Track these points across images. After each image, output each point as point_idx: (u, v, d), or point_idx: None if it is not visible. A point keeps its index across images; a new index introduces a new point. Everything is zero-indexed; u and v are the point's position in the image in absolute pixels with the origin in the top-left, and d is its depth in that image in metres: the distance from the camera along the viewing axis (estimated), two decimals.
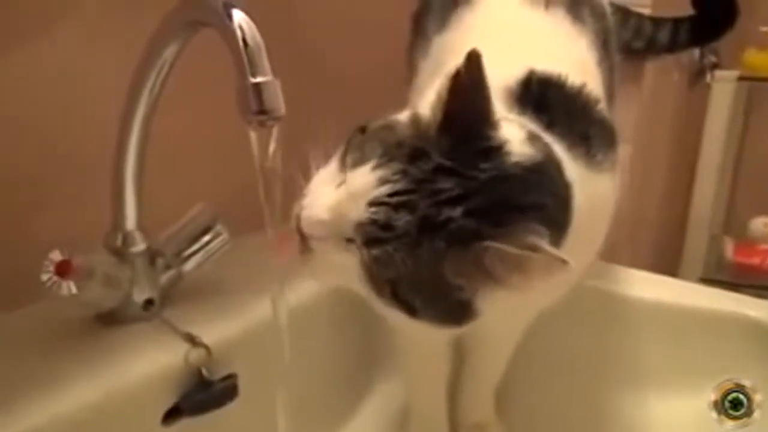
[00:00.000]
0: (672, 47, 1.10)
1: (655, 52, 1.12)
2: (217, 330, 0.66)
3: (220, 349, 0.65)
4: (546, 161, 0.51)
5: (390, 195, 0.48)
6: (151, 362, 0.62)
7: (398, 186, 0.48)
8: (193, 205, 0.71)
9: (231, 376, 0.65)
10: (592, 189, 0.55)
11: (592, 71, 0.66)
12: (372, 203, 0.48)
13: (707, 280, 1.81)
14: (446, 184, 0.48)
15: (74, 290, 0.58)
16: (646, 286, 0.80)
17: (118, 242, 0.65)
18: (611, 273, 0.82)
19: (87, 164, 0.70)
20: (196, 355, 0.63)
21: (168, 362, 0.62)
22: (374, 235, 0.48)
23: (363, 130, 0.53)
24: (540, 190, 0.50)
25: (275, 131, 0.53)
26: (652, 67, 1.21)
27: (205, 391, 0.63)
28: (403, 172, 0.48)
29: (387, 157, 0.49)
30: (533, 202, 0.49)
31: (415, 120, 0.52)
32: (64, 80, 0.70)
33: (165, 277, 0.69)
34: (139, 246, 0.66)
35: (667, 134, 1.50)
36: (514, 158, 0.49)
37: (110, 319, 0.65)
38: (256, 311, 0.67)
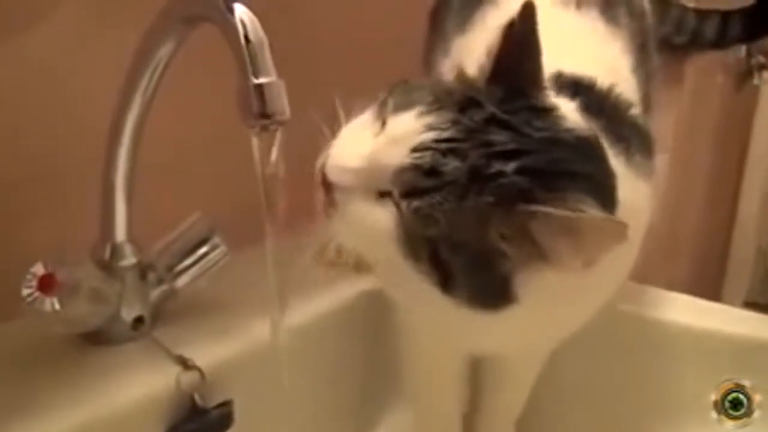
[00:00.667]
0: (719, 43, 1.09)
1: (700, 48, 1.11)
2: (212, 352, 0.66)
3: (215, 373, 0.65)
4: (597, 139, 0.52)
5: (437, 141, 0.48)
6: (139, 387, 0.62)
7: (447, 134, 0.48)
8: (188, 215, 0.71)
9: (226, 403, 0.65)
10: (629, 192, 0.55)
11: (626, 77, 0.66)
12: (416, 148, 0.48)
13: (752, 304, 1.80)
14: (499, 137, 0.48)
15: (58, 307, 0.58)
16: (684, 311, 0.79)
17: (107, 255, 0.65)
18: (645, 296, 0.82)
19: (73, 169, 0.71)
20: (189, 379, 0.63)
21: (157, 387, 0.62)
22: (417, 184, 0.48)
23: (406, 82, 0.54)
24: (592, 164, 0.50)
25: (278, 136, 0.53)
26: (693, 68, 1.20)
27: (198, 420, 0.63)
28: (454, 121, 0.48)
29: (437, 104, 0.49)
30: (586, 173, 0.49)
31: (462, 75, 0.53)
32: (49, 78, 0.70)
33: (156, 293, 0.69)
34: (129, 259, 0.66)
35: (709, 141, 1.50)
36: (568, 124, 0.50)
37: (96, 339, 0.65)
38: (255, 332, 0.67)
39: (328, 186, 0.51)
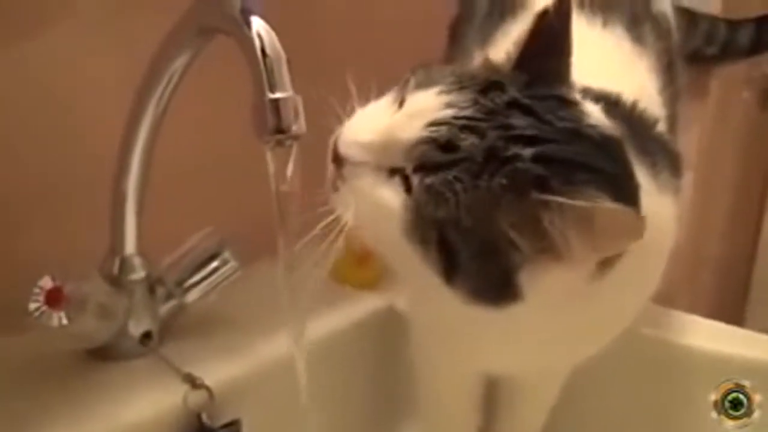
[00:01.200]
0: (754, 49, 1.08)
1: (733, 58, 1.10)
2: (221, 370, 0.66)
3: (223, 391, 0.64)
4: (621, 141, 0.51)
5: (456, 118, 0.47)
6: (145, 404, 0.61)
7: (466, 112, 0.48)
8: (198, 229, 0.71)
9: (234, 423, 0.65)
10: (654, 207, 0.54)
11: (652, 97, 0.65)
12: (433, 123, 0.48)
13: None
14: (520, 121, 0.48)
15: (65, 321, 0.58)
16: (706, 335, 0.78)
17: (115, 269, 0.65)
18: (667, 319, 0.80)
19: (82, 182, 0.70)
20: (196, 397, 0.63)
21: (164, 405, 0.62)
22: (431, 158, 0.47)
23: (428, 65, 0.53)
24: (615, 163, 0.49)
25: (294, 151, 0.53)
26: (717, 84, 1.19)
27: None
28: (474, 101, 0.48)
29: (458, 85, 0.49)
30: (608, 171, 0.48)
31: (487, 61, 0.53)
32: (58, 89, 0.70)
33: (165, 309, 0.69)
34: (138, 273, 0.66)
35: (732, 159, 1.48)
36: (592, 120, 0.50)
37: (103, 354, 0.65)
38: (265, 350, 0.67)
39: (338, 160, 0.50)
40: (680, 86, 0.72)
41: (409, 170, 0.48)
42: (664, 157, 0.59)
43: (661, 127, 0.62)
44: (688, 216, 1.11)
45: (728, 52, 1.08)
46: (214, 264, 0.70)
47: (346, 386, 0.79)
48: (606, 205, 0.45)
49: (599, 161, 0.48)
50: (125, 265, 0.66)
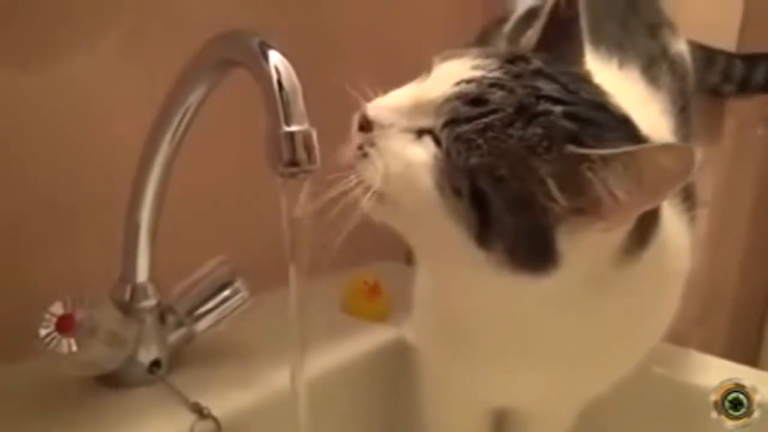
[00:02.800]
0: None
1: (750, 94, 1.11)
2: (229, 400, 0.66)
3: (231, 422, 0.64)
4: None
5: (484, 78, 0.48)
6: None
7: (494, 74, 0.49)
8: (210, 258, 0.71)
9: None
10: (670, 228, 0.55)
11: (666, 139, 0.65)
12: (461, 82, 0.48)
13: None
14: (546, 85, 0.49)
15: (75, 348, 0.59)
16: (720, 376, 0.77)
17: (126, 295, 0.66)
18: (679, 358, 0.80)
19: (95, 207, 0.72)
20: (204, 427, 0.63)
21: None
22: (461, 113, 0.47)
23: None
24: (639, 135, 0.49)
25: (307, 184, 0.53)
26: (733, 121, 1.20)
27: None
28: (501, 66, 0.49)
29: (484, 55, 0.50)
30: (635, 137, 0.48)
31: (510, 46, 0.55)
32: (76, 115, 0.71)
33: (175, 337, 0.69)
34: (150, 301, 0.66)
35: (750, 197, 1.48)
36: (615, 101, 0.51)
37: (111, 381, 0.66)
38: (273, 382, 0.67)
39: (366, 126, 0.51)
40: (694, 128, 0.72)
41: (438, 128, 0.48)
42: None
43: None
44: (703, 253, 1.11)
45: (745, 89, 1.08)
46: (225, 293, 0.70)
47: (354, 417, 0.79)
48: (652, 144, 0.45)
49: (624, 131, 0.48)
50: (136, 292, 0.66)
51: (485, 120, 0.47)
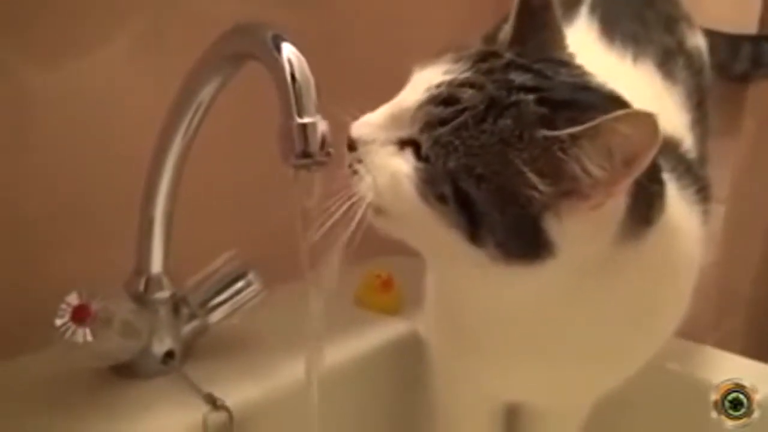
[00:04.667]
0: None
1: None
2: (242, 392, 0.66)
3: (243, 413, 0.65)
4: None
5: (454, 80, 0.49)
6: (165, 424, 0.62)
7: (464, 75, 0.49)
8: (224, 250, 0.72)
9: None
10: (679, 216, 0.55)
11: (680, 133, 0.65)
12: (431, 87, 0.50)
13: None
14: (519, 77, 0.49)
15: (90, 338, 0.59)
16: (736, 373, 0.77)
17: (141, 287, 0.67)
18: (695, 354, 0.80)
19: (110, 200, 0.72)
20: (216, 418, 0.63)
21: (184, 425, 0.63)
22: (434, 115, 0.48)
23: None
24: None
25: (319, 176, 0.54)
26: (752, 120, 1.19)
27: None
28: (471, 66, 0.50)
29: (456, 58, 0.51)
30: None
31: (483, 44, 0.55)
32: (91, 111, 0.72)
33: (188, 328, 0.70)
34: (164, 292, 0.67)
35: (767, 196, 1.47)
36: (599, 81, 0.51)
37: (125, 372, 0.66)
38: (286, 373, 0.68)
39: (353, 145, 0.52)
40: (710, 124, 0.72)
41: (415, 134, 0.49)
42: (690, 175, 0.60)
43: (686, 149, 0.63)
44: (720, 253, 1.10)
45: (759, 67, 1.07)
46: (238, 285, 0.70)
47: (366, 409, 0.79)
48: (611, 115, 0.45)
49: (607, 105, 0.48)
50: (151, 284, 0.67)
51: (459, 120, 0.48)
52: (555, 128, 0.46)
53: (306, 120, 0.52)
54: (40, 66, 0.68)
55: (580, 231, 0.48)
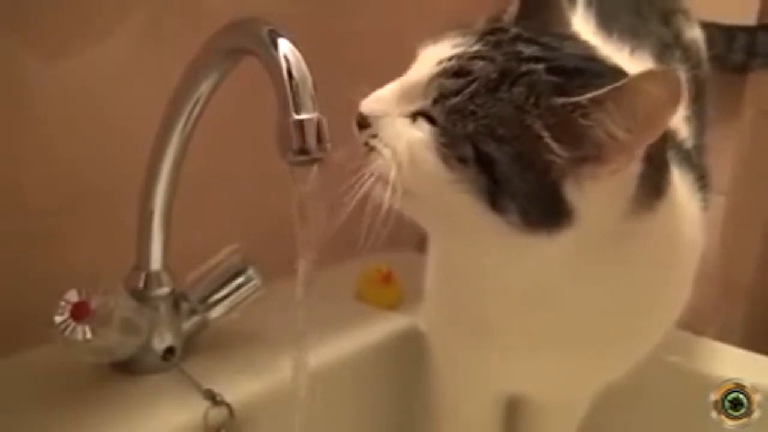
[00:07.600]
0: None
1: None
2: (242, 387, 0.66)
3: (244, 409, 0.65)
4: None
5: (464, 53, 0.50)
6: (165, 420, 0.62)
7: (474, 48, 0.50)
8: (224, 246, 0.72)
9: None
10: (680, 199, 0.55)
11: (678, 126, 0.65)
12: (442, 60, 0.50)
13: None
14: (526, 48, 0.50)
15: (89, 335, 0.59)
16: (736, 365, 0.77)
17: (140, 283, 0.67)
18: (695, 347, 0.80)
19: (109, 196, 0.72)
20: (217, 414, 0.63)
21: (184, 421, 0.63)
22: (448, 87, 0.49)
23: None
24: None
25: (315, 170, 0.53)
26: (752, 110, 1.18)
27: None
28: (480, 39, 0.51)
29: (464, 34, 0.52)
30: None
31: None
32: (91, 107, 0.72)
33: (188, 324, 0.70)
34: (163, 289, 0.67)
35: (767, 187, 1.46)
36: (604, 53, 0.53)
37: (125, 368, 0.66)
38: (286, 368, 0.66)
39: (363, 122, 0.52)
40: (708, 116, 0.72)
41: (428, 106, 0.50)
42: (688, 164, 0.60)
43: (683, 140, 0.63)
44: (721, 242, 1.10)
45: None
46: (238, 281, 0.70)
47: (366, 404, 0.79)
48: (636, 74, 0.45)
49: (614, 76, 0.48)
50: (150, 280, 0.67)
51: (472, 89, 0.48)
52: (569, 96, 0.47)
53: (303, 116, 0.52)
54: (41, 60, 0.68)
55: (599, 198, 0.48)
